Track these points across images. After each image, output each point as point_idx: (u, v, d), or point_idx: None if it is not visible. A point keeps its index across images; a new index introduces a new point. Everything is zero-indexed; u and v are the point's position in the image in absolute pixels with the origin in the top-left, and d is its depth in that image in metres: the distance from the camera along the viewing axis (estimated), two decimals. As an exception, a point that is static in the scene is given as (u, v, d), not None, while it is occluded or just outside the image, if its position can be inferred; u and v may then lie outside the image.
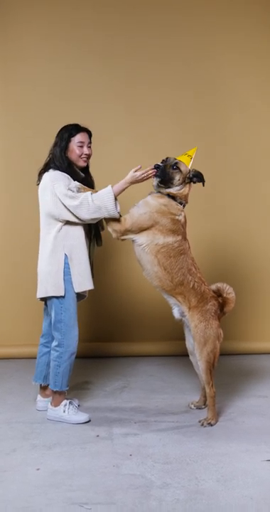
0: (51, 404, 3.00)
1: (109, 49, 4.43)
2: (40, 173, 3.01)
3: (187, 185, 2.97)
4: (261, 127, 4.55)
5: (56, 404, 2.97)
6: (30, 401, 3.27)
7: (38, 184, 3.02)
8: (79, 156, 3.00)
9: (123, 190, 2.90)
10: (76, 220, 2.89)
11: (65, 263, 2.91)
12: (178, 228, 2.91)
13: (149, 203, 2.93)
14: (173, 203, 2.93)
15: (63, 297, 2.91)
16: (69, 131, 2.99)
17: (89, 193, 2.85)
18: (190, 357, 3.10)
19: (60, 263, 2.91)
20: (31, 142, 4.32)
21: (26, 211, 4.25)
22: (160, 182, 2.94)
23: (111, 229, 2.93)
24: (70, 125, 3.02)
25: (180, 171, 2.92)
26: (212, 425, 2.86)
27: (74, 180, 2.94)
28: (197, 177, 2.96)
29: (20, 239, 4.38)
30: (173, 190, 2.94)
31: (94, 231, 3.10)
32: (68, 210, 2.86)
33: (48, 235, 2.94)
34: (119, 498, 2.09)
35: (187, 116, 4.47)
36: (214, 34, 4.50)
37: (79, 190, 2.88)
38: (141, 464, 2.40)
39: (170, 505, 2.04)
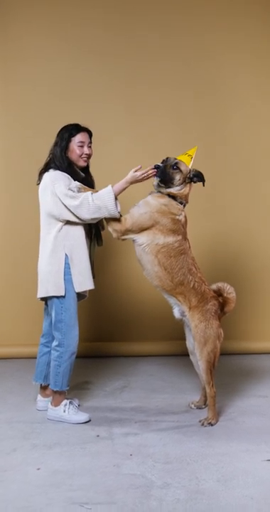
0: (51, 404, 3.00)
1: (109, 49, 4.43)
2: (41, 173, 3.01)
3: (188, 185, 2.97)
4: (261, 127, 4.55)
5: (56, 404, 2.97)
6: (30, 401, 3.27)
7: (38, 184, 3.02)
8: (80, 156, 3.00)
9: (124, 189, 2.90)
10: (76, 220, 2.89)
11: (65, 263, 2.91)
12: (179, 228, 2.91)
13: (149, 203, 2.93)
14: (174, 202, 2.93)
15: (63, 297, 2.91)
16: (70, 131, 2.99)
17: (89, 192, 2.86)
18: (191, 357, 3.10)
19: (60, 263, 2.91)
20: (31, 142, 4.33)
21: (26, 211, 4.25)
22: (161, 182, 2.94)
23: (111, 229, 2.93)
24: (71, 125, 3.02)
25: (181, 170, 2.92)
26: (212, 425, 2.86)
27: (75, 180, 2.94)
28: (197, 177, 2.96)
29: (20, 239, 4.38)
30: (173, 190, 2.94)
31: (94, 231, 3.11)
32: (68, 209, 2.86)
33: (48, 235, 2.94)
34: (119, 498, 2.09)
35: (187, 116, 4.47)
36: (214, 34, 4.50)
37: (79, 190, 2.88)
38: (141, 464, 2.40)
39: (171, 505, 2.04)
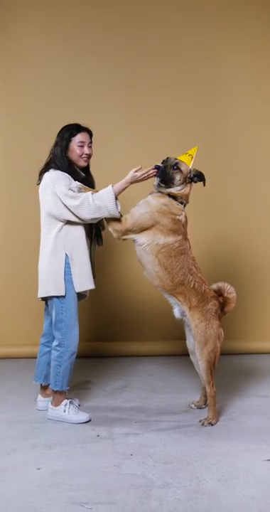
0: (51, 403, 3.00)
1: (109, 49, 4.43)
2: (41, 173, 3.01)
3: (188, 184, 2.97)
4: (261, 127, 4.55)
5: (56, 403, 2.97)
6: (30, 401, 3.26)
7: (39, 184, 3.02)
8: (80, 156, 3.00)
9: (124, 190, 2.90)
10: (77, 220, 2.89)
11: (65, 263, 2.91)
12: (179, 228, 2.91)
13: (150, 203, 2.92)
14: (174, 202, 2.93)
15: (64, 297, 2.91)
16: (70, 130, 2.99)
17: (89, 192, 2.85)
18: (191, 356, 3.10)
19: (60, 263, 2.91)
20: (31, 142, 4.33)
21: (26, 211, 4.25)
22: (161, 182, 2.94)
23: (112, 229, 2.93)
24: (71, 125, 3.02)
25: (181, 171, 2.92)
26: (212, 425, 2.85)
27: (75, 180, 2.94)
28: (198, 177, 2.96)
29: (20, 239, 4.38)
30: (173, 190, 2.94)
31: (94, 231, 3.11)
32: (69, 209, 2.86)
33: (49, 235, 2.94)
34: (119, 498, 2.09)
35: (187, 116, 4.47)
36: (214, 34, 4.49)
37: (80, 190, 2.88)
38: (141, 464, 2.40)
39: (171, 504, 2.04)
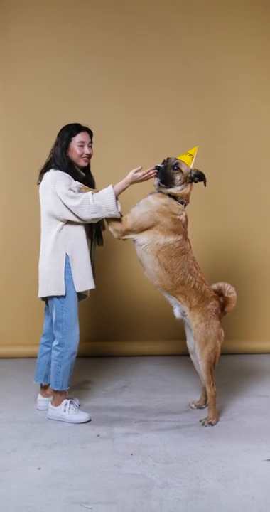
0: (52, 403, 3.00)
1: (109, 49, 4.43)
2: (41, 173, 3.01)
3: (189, 184, 2.97)
4: (261, 127, 4.55)
5: (57, 403, 2.97)
6: (30, 400, 3.27)
7: (39, 183, 3.02)
8: (80, 156, 3.00)
9: (124, 190, 2.90)
10: (77, 220, 2.89)
11: (66, 262, 2.91)
12: (179, 228, 2.91)
13: (150, 203, 2.92)
14: (174, 202, 2.93)
15: (64, 297, 2.91)
16: (70, 130, 2.99)
17: (89, 193, 2.85)
18: (191, 356, 3.10)
19: (61, 262, 2.91)
20: (31, 142, 4.33)
21: (26, 211, 4.25)
22: (161, 183, 2.94)
23: (112, 229, 2.93)
24: (71, 125, 3.02)
25: (181, 171, 2.92)
26: (212, 425, 2.86)
27: (75, 179, 2.94)
28: (198, 177, 2.95)
29: (20, 239, 4.38)
30: (174, 190, 2.94)
31: (95, 231, 3.11)
32: (69, 209, 2.86)
33: (49, 235, 2.94)
34: (119, 498, 2.09)
35: (187, 116, 4.47)
36: (214, 34, 4.49)
37: (80, 190, 2.88)
38: (141, 464, 2.40)
39: (171, 504, 2.04)
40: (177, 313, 3.02)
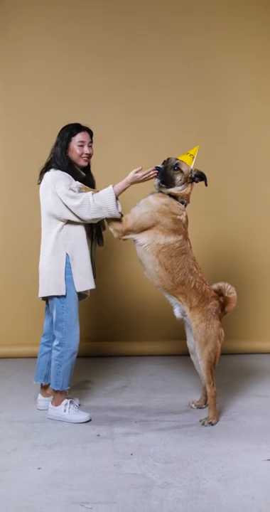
0: (52, 403, 3.00)
1: (109, 49, 4.43)
2: (41, 173, 3.01)
3: (189, 184, 2.97)
4: (261, 127, 4.55)
5: (57, 403, 2.97)
6: (30, 400, 3.27)
7: (39, 183, 3.02)
8: (80, 156, 3.00)
9: (124, 190, 2.90)
10: (77, 220, 2.89)
11: (66, 262, 2.91)
12: (180, 228, 2.91)
13: (150, 203, 2.92)
14: (175, 202, 2.93)
15: (64, 296, 2.91)
16: (70, 130, 2.99)
17: (90, 193, 2.86)
18: (191, 356, 3.10)
19: (61, 262, 2.91)
20: (31, 142, 4.33)
21: (26, 211, 4.26)
22: (162, 183, 2.94)
23: (112, 229, 2.93)
24: (71, 124, 3.02)
25: (182, 171, 2.92)
26: (212, 425, 2.86)
27: (76, 179, 2.94)
28: (199, 177, 2.95)
29: (20, 238, 4.38)
30: (174, 190, 2.94)
31: (95, 231, 3.11)
32: (69, 209, 2.86)
33: (49, 235, 2.94)
34: (119, 498, 2.09)
35: (187, 116, 4.47)
36: (214, 34, 4.50)
37: (80, 190, 2.88)
38: (141, 464, 2.40)
39: (171, 504, 2.04)
40: (177, 313, 3.02)
